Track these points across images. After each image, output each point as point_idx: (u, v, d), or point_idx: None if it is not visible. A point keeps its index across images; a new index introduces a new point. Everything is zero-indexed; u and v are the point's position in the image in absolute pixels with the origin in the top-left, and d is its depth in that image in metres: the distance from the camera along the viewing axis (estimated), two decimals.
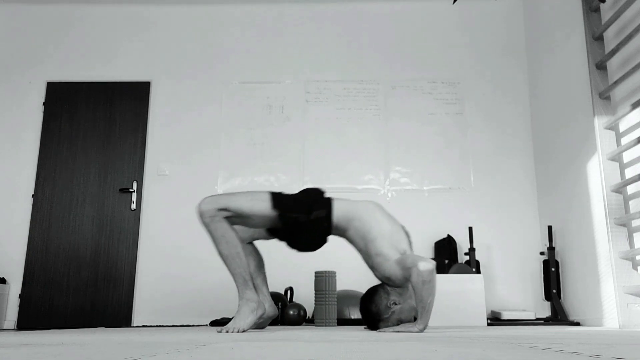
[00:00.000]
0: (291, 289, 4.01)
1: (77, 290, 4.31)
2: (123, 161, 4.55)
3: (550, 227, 4.06)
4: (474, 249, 4.04)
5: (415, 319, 2.49)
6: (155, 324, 4.24)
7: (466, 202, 4.44)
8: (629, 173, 3.21)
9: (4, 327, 4.24)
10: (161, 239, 4.41)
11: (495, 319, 3.82)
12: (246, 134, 4.61)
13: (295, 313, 3.69)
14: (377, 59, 4.76)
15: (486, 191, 4.47)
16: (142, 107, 4.66)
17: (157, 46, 4.82)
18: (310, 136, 4.60)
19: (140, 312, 4.29)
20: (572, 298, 3.88)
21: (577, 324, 3.68)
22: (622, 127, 3.30)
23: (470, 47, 4.77)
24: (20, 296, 4.29)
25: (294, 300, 4.06)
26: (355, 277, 4.08)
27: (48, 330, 3.20)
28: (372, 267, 2.58)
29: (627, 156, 3.24)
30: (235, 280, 2.59)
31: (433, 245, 4.32)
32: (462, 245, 4.30)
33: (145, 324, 4.25)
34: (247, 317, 2.54)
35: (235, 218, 2.58)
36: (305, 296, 4.11)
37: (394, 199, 4.47)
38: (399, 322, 2.54)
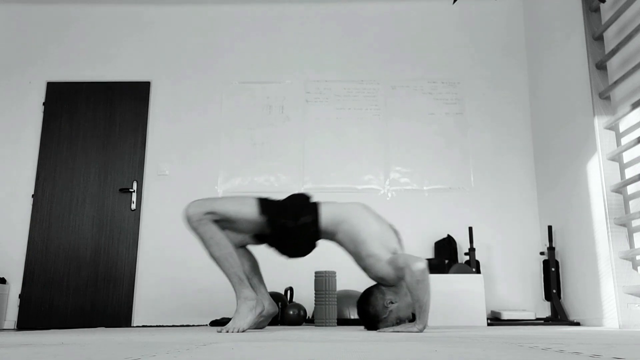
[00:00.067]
0: (291, 289, 4.01)
1: (77, 290, 4.31)
2: (123, 161, 4.55)
3: (550, 227, 4.07)
4: (474, 249, 4.05)
5: (413, 316, 2.49)
6: (155, 324, 4.23)
7: (466, 202, 4.44)
8: (629, 173, 3.21)
9: (4, 327, 4.24)
10: (161, 239, 4.41)
11: (495, 319, 3.81)
12: (246, 134, 4.61)
13: (295, 313, 3.69)
14: (377, 59, 4.76)
15: (486, 191, 4.47)
16: (142, 107, 4.66)
17: (157, 46, 4.82)
18: (310, 136, 4.60)
19: (140, 312, 4.29)
20: (572, 298, 3.88)
21: (577, 324, 3.68)
22: (622, 127, 3.30)
23: (470, 47, 4.77)
24: (20, 296, 4.29)
25: (294, 300, 4.06)
26: (355, 277, 4.05)
27: (48, 330, 3.20)
28: (365, 269, 2.58)
29: (627, 156, 3.24)
30: (230, 281, 2.57)
31: (433, 245, 4.32)
32: (462, 245, 4.30)
33: (145, 324, 4.25)
34: (247, 316, 2.53)
35: (223, 222, 2.57)
36: (305, 296, 4.11)
37: (394, 199, 4.47)
38: (398, 320, 2.54)
